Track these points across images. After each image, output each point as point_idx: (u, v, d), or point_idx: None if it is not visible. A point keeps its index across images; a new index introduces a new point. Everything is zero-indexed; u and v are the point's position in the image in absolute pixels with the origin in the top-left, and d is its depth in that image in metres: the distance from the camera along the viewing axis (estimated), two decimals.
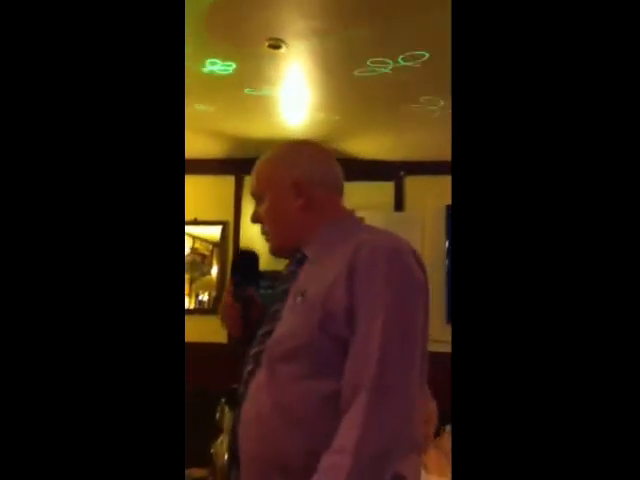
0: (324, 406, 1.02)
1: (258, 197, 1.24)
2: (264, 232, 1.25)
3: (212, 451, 2.35)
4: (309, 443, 1.01)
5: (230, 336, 1.28)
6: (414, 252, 1.09)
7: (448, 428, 2.10)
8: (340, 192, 1.24)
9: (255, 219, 1.26)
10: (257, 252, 1.30)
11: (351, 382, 0.98)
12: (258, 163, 1.25)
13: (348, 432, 0.94)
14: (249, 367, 1.14)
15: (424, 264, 1.10)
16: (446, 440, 2.06)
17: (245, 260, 1.31)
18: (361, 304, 1.01)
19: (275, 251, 1.24)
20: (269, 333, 1.12)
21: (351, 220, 1.23)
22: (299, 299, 1.09)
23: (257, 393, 1.10)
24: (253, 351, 1.15)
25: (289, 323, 1.09)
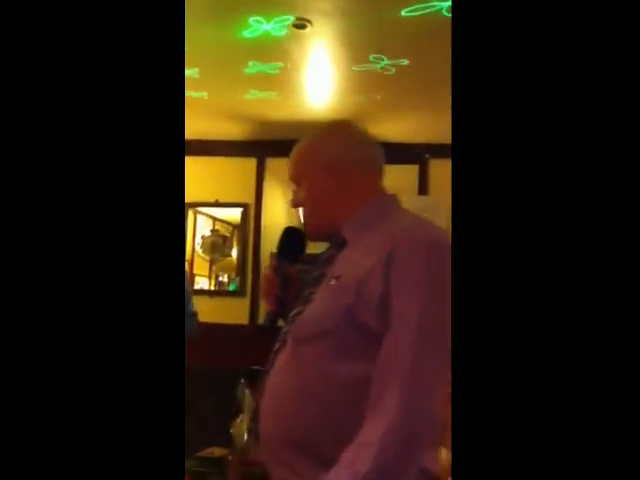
0: (342, 389, 1.03)
1: (296, 181, 1.24)
2: (302, 216, 1.25)
3: (232, 431, 2.38)
4: (327, 423, 1.03)
5: (267, 312, 1.29)
6: (450, 245, 1.05)
7: None
8: (379, 172, 1.22)
9: (295, 203, 1.25)
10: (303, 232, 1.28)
11: (383, 373, 0.98)
12: (295, 147, 1.26)
13: (376, 425, 0.94)
14: (276, 345, 1.15)
15: None
16: None
17: (291, 238, 1.30)
18: (397, 295, 1.00)
19: (313, 235, 1.25)
20: (300, 314, 1.13)
21: (389, 202, 1.21)
22: (333, 282, 1.09)
23: (280, 372, 1.11)
24: (283, 330, 1.16)
25: (318, 305, 1.10)
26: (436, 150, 3.53)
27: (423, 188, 3.69)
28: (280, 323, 1.23)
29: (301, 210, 1.25)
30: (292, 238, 1.30)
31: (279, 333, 1.17)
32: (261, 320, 1.31)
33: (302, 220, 1.25)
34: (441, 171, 3.60)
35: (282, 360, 1.11)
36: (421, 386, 0.96)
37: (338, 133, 1.26)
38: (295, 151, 1.25)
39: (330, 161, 1.17)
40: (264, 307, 1.29)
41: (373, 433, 0.94)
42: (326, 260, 1.18)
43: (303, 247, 1.29)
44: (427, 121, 3.27)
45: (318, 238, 1.25)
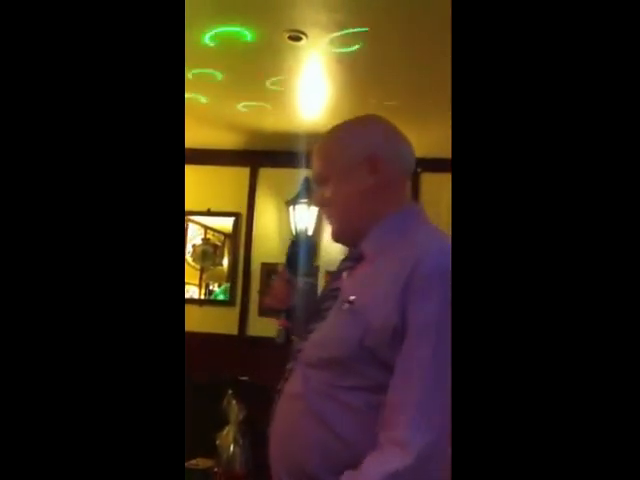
0: (353, 416, 0.97)
1: (323, 179, 1.12)
2: (328, 217, 1.14)
3: (217, 442, 2.35)
4: (337, 450, 0.97)
5: (279, 328, 1.23)
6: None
7: None
8: (409, 175, 1.14)
9: (319, 203, 1.15)
10: (314, 242, 1.26)
11: (395, 403, 0.93)
12: (323, 142, 1.15)
13: (384, 458, 0.91)
14: (290, 364, 1.09)
15: None
16: None
17: (300, 249, 1.25)
18: (413, 325, 0.94)
19: (339, 236, 1.13)
20: (312, 332, 1.07)
21: (412, 214, 1.11)
22: (346, 306, 1.01)
23: (290, 395, 1.05)
24: (297, 348, 1.09)
25: (330, 329, 1.03)
26: (427, 164, 3.55)
27: (414, 201, 3.70)
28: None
29: (325, 212, 1.16)
30: (300, 249, 1.25)
31: (292, 349, 1.11)
32: (276, 337, 1.24)
33: (328, 222, 1.16)
34: (432, 185, 3.62)
35: (292, 383, 1.06)
36: (432, 422, 0.90)
37: (375, 125, 1.14)
38: (322, 145, 1.14)
39: (372, 154, 1.07)
40: (276, 322, 1.24)
41: (378, 467, 0.90)
42: (342, 273, 1.10)
43: (312, 258, 1.25)
44: (420, 135, 3.28)
45: (345, 241, 1.15)
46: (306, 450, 0.99)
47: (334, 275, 1.14)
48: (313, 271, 1.23)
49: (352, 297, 1.01)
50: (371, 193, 1.07)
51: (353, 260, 1.10)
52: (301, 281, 1.23)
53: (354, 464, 0.92)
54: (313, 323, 1.07)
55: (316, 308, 1.10)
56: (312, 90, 2.91)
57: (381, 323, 0.95)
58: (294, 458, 1.01)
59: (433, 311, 0.93)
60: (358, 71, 2.64)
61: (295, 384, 1.04)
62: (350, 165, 1.08)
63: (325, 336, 1.03)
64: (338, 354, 0.99)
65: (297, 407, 1.02)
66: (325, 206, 1.13)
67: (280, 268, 1.28)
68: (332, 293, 1.08)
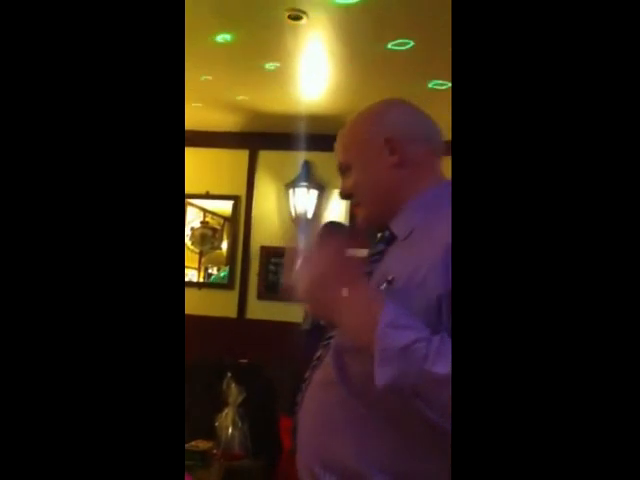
0: (386, 412, 0.91)
1: (346, 167, 1.11)
2: (354, 205, 1.12)
3: (216, 424, 2.36)
4: (375, 447, 0.92)
5: (305, 313, 1.19)
6: None
7: None
8: (439, 151, 1.10)
9: (345, 194, 1.12)
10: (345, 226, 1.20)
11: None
12: (342, 131, 1.14)
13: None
14: (318, 353, 1.04)
15: None
16: None
17: (334, 231, 1.23)
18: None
19: (368, 221, 1.10)
20: None
21: (442, 190, 1.02)
22: (384, 286, 0.95)
23: (322, 384, 1.01)
24: (326, 336, 1.04)
25: None
26: None
27: None
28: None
29: (352, 202, 1.11)
30: (335, 231, 1.22)
31: (323, 335, 1.05)
32: (302, 323, 1.18)
33: (355, 212, 1.12)
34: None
35: (324, 370, 1.00)
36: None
37: (396, 106, 1.13)
38: (341, 135, 1.13)
39: (390, 135, 1.05)
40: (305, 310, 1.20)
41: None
42: (374, 256, 1.06)
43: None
44: None
45: (374, 226, 1.11)
46: (345, 442, 0.95)
47: (365, 260, 1.08)
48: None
49: (390, 276, 0.95)
50: (395, 175, 1.06)
51: (384, 243, 1.07)
52: None
53: (384, 465, 0.89)
54: None
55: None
56: (312, 71, 2.87)
57: (424, 297, 0.89)
58: (330, 450, 0.97)
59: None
60: (358, 52, 2.61)
61: (327, 372, 0.99)
62: (369, 150, 1.08)
63: None
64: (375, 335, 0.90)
65: (331, 396, 0.97)
66: (351, 195, 1.11)
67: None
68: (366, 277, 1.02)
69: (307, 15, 2.29)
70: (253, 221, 3.95)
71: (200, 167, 3.88)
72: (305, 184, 3.70)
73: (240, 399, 2.36)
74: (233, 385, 2.37)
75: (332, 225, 1.23)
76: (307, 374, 1.05)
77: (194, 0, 2.19)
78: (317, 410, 1.01)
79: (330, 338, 1.02)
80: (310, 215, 3.73)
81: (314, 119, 3.29)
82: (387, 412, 0.91)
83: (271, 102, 3.32)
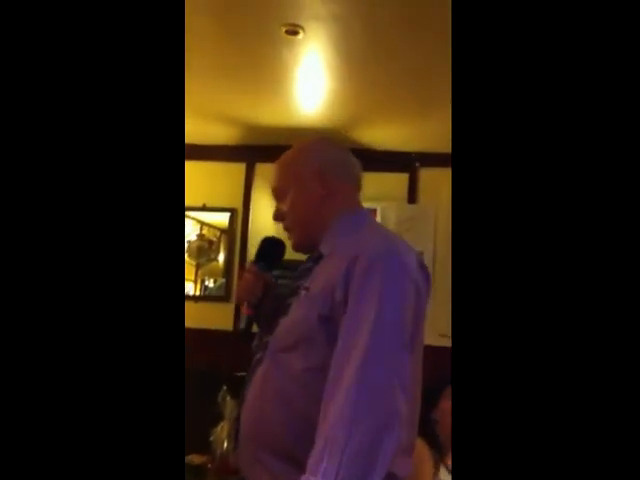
0: (318, 396, 1.05)
1: (281, 193, 1.33)
2: (286, 229, 1.32)
3: (211, 438, 2.35)
4: (303, 428, 1.06)
5: (245, 316, 1.38)
6: (416, 257, 1.13)
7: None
8: (357, 185, 1.32)
9: (278, 217, 1.32)
10: (284, 242, 1.39)
11: (334, 377, 1.02)
12: (280, 160, 1.35)
13: (336, 422, 0.96)
14: (258, 355, 1.21)
15: (426, 268, 1.15)
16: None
17: (271, 247, 1.39)
18: (352, 300, 1.06)
19: (298, 245, 1.31)
20: (278, 325, 1.20)
21: (363, 216, 1.31)
22: (303, 293, 1.17)
23: (260, 379, 1.17)
24: (264, 340, 1.22)
25: (293, 315, 1.17)
26: (426, 159, 3.53)
27: (412, 196, 3.69)
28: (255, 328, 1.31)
29: (284, 225, 1.32)
30: (271, 247, 1.39)
31: (259, 339, 1.23)
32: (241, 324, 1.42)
33: (288, 235, 1.32)
34: (431, 180, 3.60)
35: (262, 369, 1.17)
36: (371, 389, 0.97)
37: (322, 143, 1.36)
38: (278, 164, 1.36)
39: (317, 169, 1.26)
40: (242, 311, 1.40)
41: (333, 430, 0.95)
42: (303, 273, 1.25)
43: (281, 256, 1.37)
44: (418, 129, 3.27)
45: (304, 248, 1.31)
46: (274, 428, 1.11)
47: (296, 275, 1.28)
48: (284, 266, 1.41)
49: (307, 284, 1.18)
50: (323, 203, 1.27)
51: (313, 261, 1.26)
52: (270, 276, 1.37)
53: (313, 437, 0.99)
54: (278, 318, 1.21)
55: (282, 305, 1.23)
56: (309, 85, 2.89)
57: (332, 301, 1.09)
58: (268, 437, 1.12)
59: (371, 288, 1.05)
60: (356, 66, 2.62)
61: (265, 371, 1.17)
62: (303, 181, 1.28)
63: (290, 322, 1.17)
64: (301, 335, 1.12)
65: (266, 389, 1.15)
66: (284, 219, 1.31)
67: (248, 264, 1.45)
68: (293, 291, 1.23)
69: (304, 30, 2.31)
70: (250, 234, 3.95)
71: (197, 180, 3.87)
72: None
73: (236, 412, 2.34)
74: (229, 398, 2.36)
75: (270, 240, 1.40)
76: (248, 374, 1.23)
77: (192, 14, 2.20)
78: (255, 405, 1.17)
79: (267, 343, 1.20)
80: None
81: (311, 132, 3.30)
82: (313, 396, 1.06)
83: (268, 115, 3.34)
